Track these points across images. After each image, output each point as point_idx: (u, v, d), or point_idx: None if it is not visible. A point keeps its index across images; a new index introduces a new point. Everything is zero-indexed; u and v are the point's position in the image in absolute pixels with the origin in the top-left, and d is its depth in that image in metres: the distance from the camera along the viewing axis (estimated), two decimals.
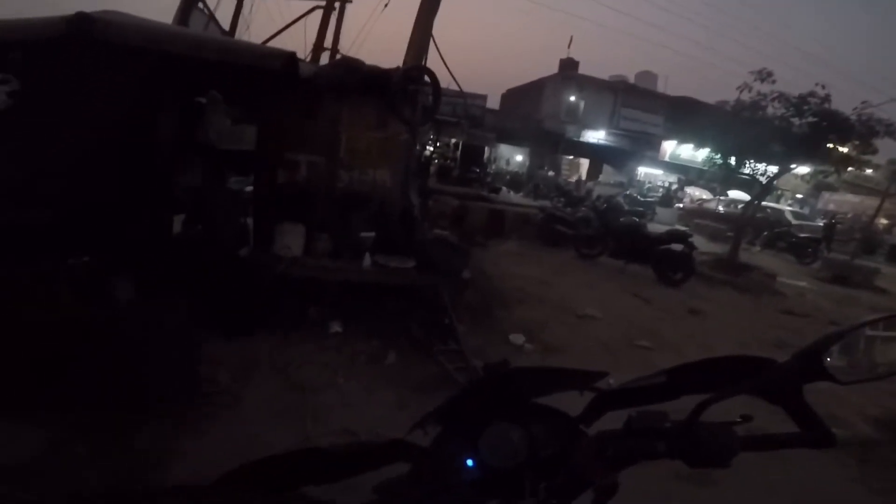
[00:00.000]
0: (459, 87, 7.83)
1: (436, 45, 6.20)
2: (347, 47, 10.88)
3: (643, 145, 24.51)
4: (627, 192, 19.25)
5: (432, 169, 14.47)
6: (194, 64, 3.48)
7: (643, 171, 25.49)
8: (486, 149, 20.78)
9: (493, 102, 25.75)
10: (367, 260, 4.10)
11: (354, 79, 4.09)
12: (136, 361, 2.71)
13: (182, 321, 3.20)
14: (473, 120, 19.43)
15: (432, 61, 6.14)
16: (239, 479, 0.78)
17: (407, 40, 6.04)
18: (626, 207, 13.19)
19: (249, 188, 4.75)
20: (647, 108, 25.21)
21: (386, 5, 10.13)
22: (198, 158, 4.37)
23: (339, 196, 4.32)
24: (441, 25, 6.27)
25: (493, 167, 22.62)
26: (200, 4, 7.83)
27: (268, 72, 3.33)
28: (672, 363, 0.78)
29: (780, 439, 0.70)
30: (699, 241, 9.39)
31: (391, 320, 3.98)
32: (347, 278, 4.07)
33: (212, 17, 8.31)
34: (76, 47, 3.27)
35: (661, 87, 27.00)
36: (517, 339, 4.37)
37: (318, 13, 9.77)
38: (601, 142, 24.62)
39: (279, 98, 3.98)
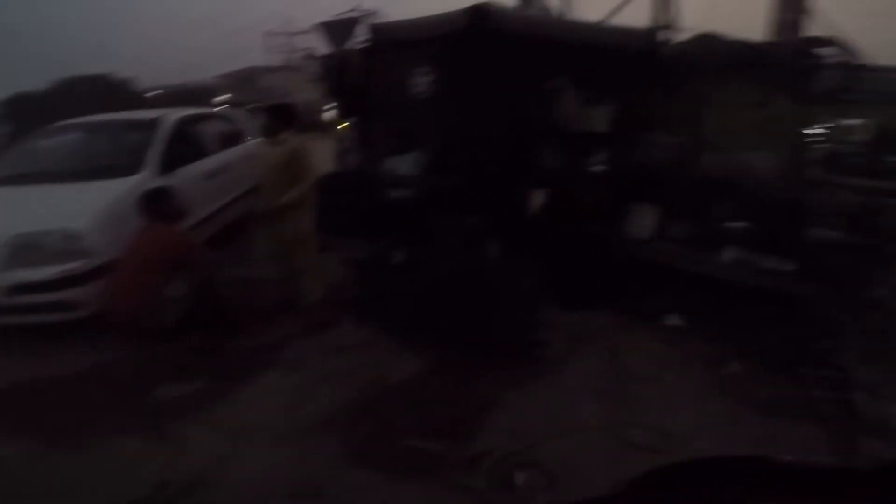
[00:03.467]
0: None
1: None
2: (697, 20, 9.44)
3: None
4: None
5: (814, 155, 11.13)
6: (555, 49, 3.70)
7: None
8: None
9: None
10: (729, 254, 3.61)
11: (713, 55, 3.56)
12: (490, 312, 3.25)
13: (531, 285, 3.65)
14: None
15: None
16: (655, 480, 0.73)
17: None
18: None
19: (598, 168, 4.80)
20: None
21: None
22: (553, 141, 4.70)
23: (700, 180, 3.91)
24: None
25: None
26: None
27: (626, 52, 3.27)
28: None
29: None
30: None
31: (743, 327, 3.41)
32: (699, 271, 3.69)
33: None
34: (474, 38, 3.79)
35: None
36: None
37: None
38: None
39: (634, 78, 3.84)
